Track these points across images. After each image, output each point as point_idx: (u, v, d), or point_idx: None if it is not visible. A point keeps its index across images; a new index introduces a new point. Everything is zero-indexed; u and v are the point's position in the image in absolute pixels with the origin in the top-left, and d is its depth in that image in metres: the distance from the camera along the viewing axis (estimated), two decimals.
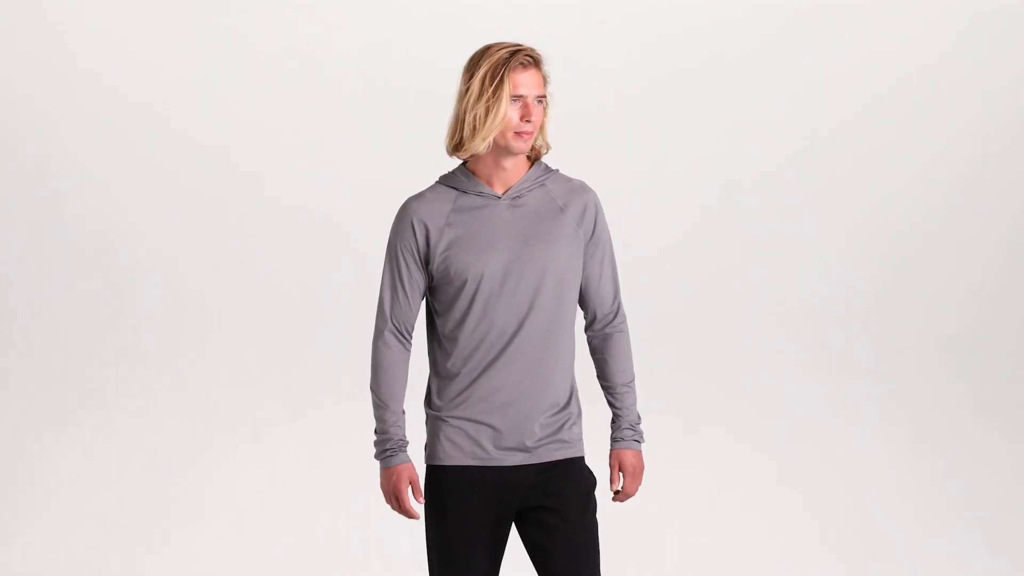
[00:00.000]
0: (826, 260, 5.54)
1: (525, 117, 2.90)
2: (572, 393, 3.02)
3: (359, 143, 5.39)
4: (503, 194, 2.98)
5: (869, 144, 5.56)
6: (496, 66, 2.91)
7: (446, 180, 3.07)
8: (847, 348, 5.54)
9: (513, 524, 3.02)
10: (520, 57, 2.90)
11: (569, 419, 3.00)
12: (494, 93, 2.90)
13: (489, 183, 2.99)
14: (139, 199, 5.35)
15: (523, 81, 2.91)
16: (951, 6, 5.55)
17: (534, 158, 3.02)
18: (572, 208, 2.97)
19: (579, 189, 3.00)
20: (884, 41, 5.54)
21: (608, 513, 5.11)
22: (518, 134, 2.91)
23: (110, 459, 5.27)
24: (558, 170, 3.04)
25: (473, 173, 3.01)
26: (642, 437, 3.08)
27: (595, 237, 2.99)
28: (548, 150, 3.02)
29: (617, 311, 3.05)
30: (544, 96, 2.94)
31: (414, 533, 5.18)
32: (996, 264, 5.62)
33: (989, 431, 5.55)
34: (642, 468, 3.08)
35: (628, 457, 3.06)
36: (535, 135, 2.94)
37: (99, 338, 5.34)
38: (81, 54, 5.32)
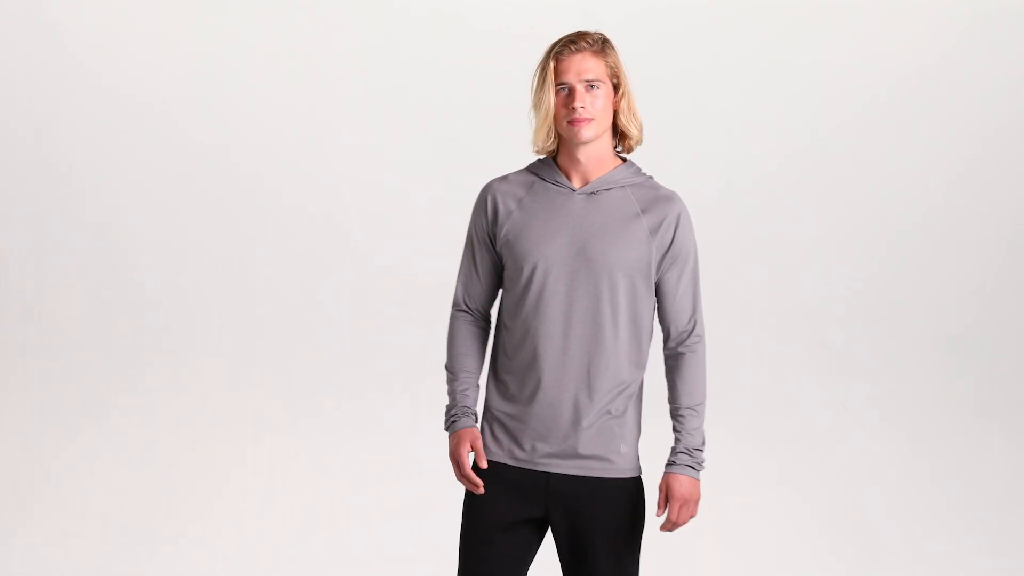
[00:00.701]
0: (826, 260, 5.54)
1: (570, 104, 2.85)
2: (628, 406, 2.90)
3: (359, 143, 5.39)
4: (580, 188, 2.91)
5: (869, 144, 5.57)
6: (544, 57, 2.91)
7: (531, 166, 2.99)
8: (847, 348, 5.54)
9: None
10: (562, 44, 2.89)
11: (621, 434, 2.88)
12: (542, 84, 2.88)
13: (568, 176, 2.92)
14: (139, 199, 5.35)
15: (566, 67, 2.87)
16: (951, 6, 5.55)
17: (626, 152, 2.97)
18: (650, 216, 2.88)
19: (664, 199, 2.91)
20: (884, 41, 5.54)
21: None
22: (569, 122, 2.86)
23: (110, 459, 5.27)
24: (651, 177, 2.96)
25: (557, 165, 2.94)
26: (700, 464, 2.90)
27: (673, 250, 2.88)
28: (639, 141, 2.95)
29: (692, 330, 2.90)
30: (597, 81, 2.86)
31: (413, 534, 5.19)
32: (996, 264, 5.62)
33: (989, 431, 5.55)
34: (694, 497, 2.89)
35: (676, 483, 2.88)
36: (593, 122, 2.86)
37: (98, 338, 5.34)
38: (81, 54, 5.32)
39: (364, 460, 5.29)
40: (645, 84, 5.49)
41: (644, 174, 2.96)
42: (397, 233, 5.41)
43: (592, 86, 2.86)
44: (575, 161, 2.90)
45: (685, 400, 2.89)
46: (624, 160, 2.96)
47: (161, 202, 5.35)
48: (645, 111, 5.41)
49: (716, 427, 5.43)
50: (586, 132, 2.86)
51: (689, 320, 2.90)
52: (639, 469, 2.93)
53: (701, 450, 2.90)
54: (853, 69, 5.53)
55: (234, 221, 5.38)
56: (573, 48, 2.87)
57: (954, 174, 5.61)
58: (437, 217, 5.41)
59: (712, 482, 5.37)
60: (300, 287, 5.39)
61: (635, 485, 2.92)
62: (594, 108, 2.86)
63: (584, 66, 2.86)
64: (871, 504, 5.37)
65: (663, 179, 5.50)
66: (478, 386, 3.00)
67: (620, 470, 2.89)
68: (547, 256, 2.86)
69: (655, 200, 2.90)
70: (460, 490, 4.79)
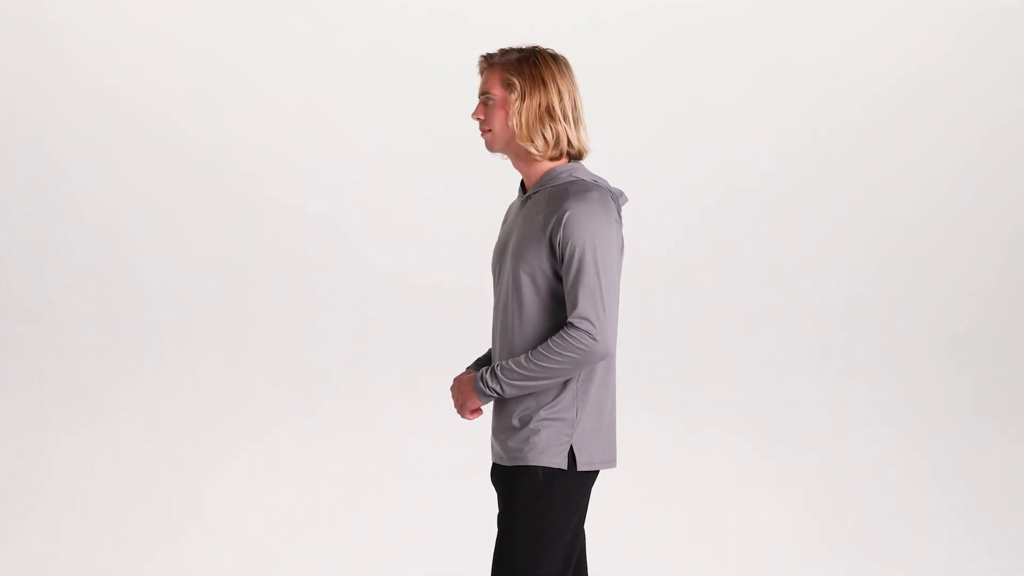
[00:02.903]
0: (826, 260, 5.55)
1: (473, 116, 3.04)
2: (540, 399, 2.95)
3: (359, 143, 5.39)
4: (524, 195, 3.05)
5: (869, 144, 5.57)
6: None
7: None
8: (847, 348, 5.54)
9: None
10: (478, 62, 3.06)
11: (530, 426, 2.95)
12: None
13: (524, 184, 3.07)
14: (139, 199, 5.35)
15: (481, 83, 3.04)
16: (951, 6, 5.56)
17: (558, 158, 3.01)
18: (548, 215, 2.91)
19: (562, 196, 2.91)
20: (884, 41, 5.54)
21: (607, 511, 5.13)
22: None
23: (109, 459, 5.27)
24: (578, 178, 2.97)
25: None
26: (487, 382, 2.93)
27: (560, 248, 2.89)
28: (544, 155, 2.98)
29: (573, 323, 2.86)
30: (489, 95, 2.99)
31: (413, 534, 5.19)
32: (996, 264, 5.62)
33: (989, 431, 5.55)
34: (457, 392, 3.01)
35: (464, 376, 3.03)
36: (490, 134, 3.00)
37: (98, 339, 5.33)
38: (81, 54, 5.32)
39: (364, 460, 5.29)
40: (645, 84, 5.53)
41: (575, 176, 2.97)
42: (397, 233, 5.41)
43: (489, 100, 3.00)
44: (519, 168, 3.06)
45: (532, 350, 2.91)
46: (568, 162, 3.02)
47: (161, 202, 5.35)
48: (645, 111, 5.45)
49: (716, 427, 5.47)
50: (487, 143, 3.02)
51: (573, 315, 2.87)
52: (537, 459, 2.94)
53: (496, 375, 2.92)
54: (853, 69, 5.53)
55: (233, 221, 5.38)
56: (481, 64, 3.03)
57: (954, 174, 5.61)
58: (437, 217, 5.41)
59: (712, 482, 5.39)
60: (300, 287, 5.39)
61: (514, 473, 2.96)
62: (489, 121, 3.00)
63: (488, 81, 3.01)
64: (871, 504, 5.37)
65: (665, 179, 5.52)
66: (486, 358, 3.18)
67: (522, 459, 2.95)
68: (494, 264, 3.06)
69: (557, 198, 2.92)
70: (459, 491, 4.80)
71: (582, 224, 2.86)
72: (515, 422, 2.96)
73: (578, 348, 2.85)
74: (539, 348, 2.88)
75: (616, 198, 2.99)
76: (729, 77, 5.49)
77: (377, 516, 5.19)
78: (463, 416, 3.01)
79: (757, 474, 5.39)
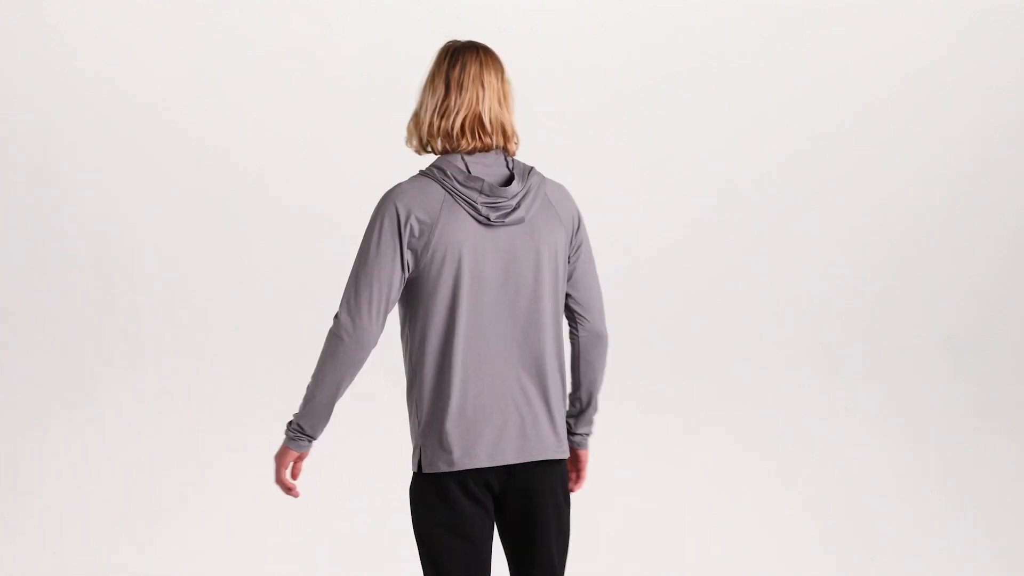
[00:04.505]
0: (826, 260, 5.54)
1: None
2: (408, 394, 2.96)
3: (359, 143, 5.39)
4: None
5: (869, 144, 5.57)
6: None
7: None
8: (847, 348, 5.54)
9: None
10: None
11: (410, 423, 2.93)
12: None
13: None
14: (139, 199, 5.35)
15: None
16: (951, 6, 5.56)
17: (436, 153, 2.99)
18: None
19: None
20: (884, 41, 5.54)
21: (607, 510, 5.13)
22: None
23: (108, 459, 5.27)
24: (417, 173, 2.99)
25: None
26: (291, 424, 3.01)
27: None
28: (419, 152, 3.03)
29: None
30: None
31: (410, 534, 5.18)
32: (996, 264, 5.62)
33: (989, 431, 5.55)
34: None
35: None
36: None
37: (97, 338, 5.33)
38: (81, 54, 5.32)
39: (363, 460, 5.29)
40: (645, 84, 5.52)
41: (424, 170, 2.97)
42: None
43: None
44: None
45: None
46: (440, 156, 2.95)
47: (160, 201, 5.35)
48: (644, 111, 5.44)
49: (716, 427, 5.46)
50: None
51: None
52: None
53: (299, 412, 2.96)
54: (853, 69, 5.53)
55: (234, 221, 5.38)
56: None
57: (954, 174, 5.61)
58: None
59: (712, 482, 5.39)
60: (300, 287, 5.39)
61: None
62: None
63: None
64: (871, 504, 5.37)
65: (664, 179, 5.51)
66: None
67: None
68: None
69: None
70: None
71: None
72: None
73: (329, 343, 2.92)
74: None
75: (460, 179, 2.86)
76: (729, 77, 5.49)
77: (377, 516, 5.18)
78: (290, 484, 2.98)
79: (757, 474, 5.39)
